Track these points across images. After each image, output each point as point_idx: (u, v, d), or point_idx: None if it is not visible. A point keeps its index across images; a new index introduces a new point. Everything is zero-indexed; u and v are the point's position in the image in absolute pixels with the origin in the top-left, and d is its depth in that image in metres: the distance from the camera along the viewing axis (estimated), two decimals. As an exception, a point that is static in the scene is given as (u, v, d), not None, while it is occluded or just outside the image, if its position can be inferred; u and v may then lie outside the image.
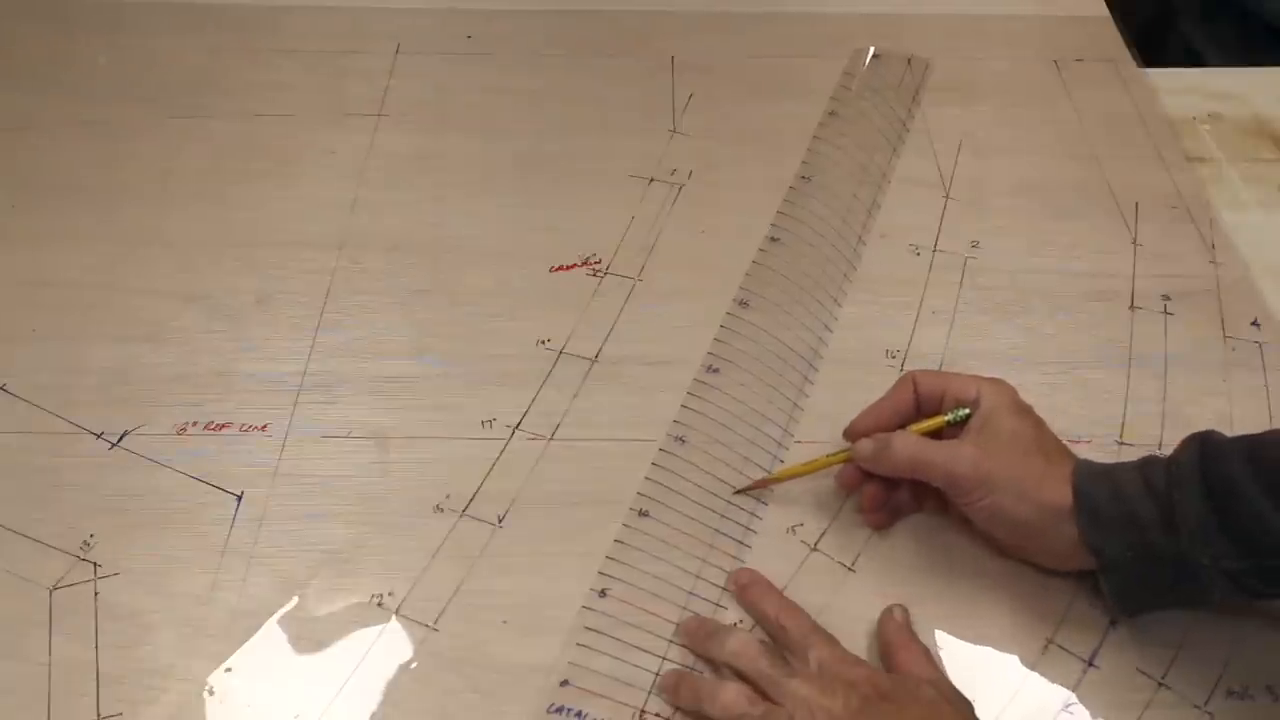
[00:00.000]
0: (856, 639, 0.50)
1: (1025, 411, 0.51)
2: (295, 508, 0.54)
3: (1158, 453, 0.56)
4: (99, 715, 0.47)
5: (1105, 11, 0.88)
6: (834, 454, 0.54)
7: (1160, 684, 0.49)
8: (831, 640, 0.48)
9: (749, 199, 0.70)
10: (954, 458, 0.50)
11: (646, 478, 0.55)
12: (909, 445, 0.51)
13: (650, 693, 0.48)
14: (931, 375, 0.54)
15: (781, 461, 0.57)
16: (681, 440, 0.57)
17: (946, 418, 0.52)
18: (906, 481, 0.53)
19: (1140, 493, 0.47)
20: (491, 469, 0.56)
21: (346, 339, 0.62)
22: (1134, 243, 0.69)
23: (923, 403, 0.54)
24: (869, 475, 0.53)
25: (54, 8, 0.83)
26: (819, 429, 0.58)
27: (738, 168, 0.73)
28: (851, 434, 0.54)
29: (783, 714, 0.44)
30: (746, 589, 0.51)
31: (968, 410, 0.52)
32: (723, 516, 0.54)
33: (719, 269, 0.66)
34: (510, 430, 0.57)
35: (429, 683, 0.48)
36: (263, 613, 0.50)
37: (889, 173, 0.73)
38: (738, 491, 0.55)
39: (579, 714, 0.47)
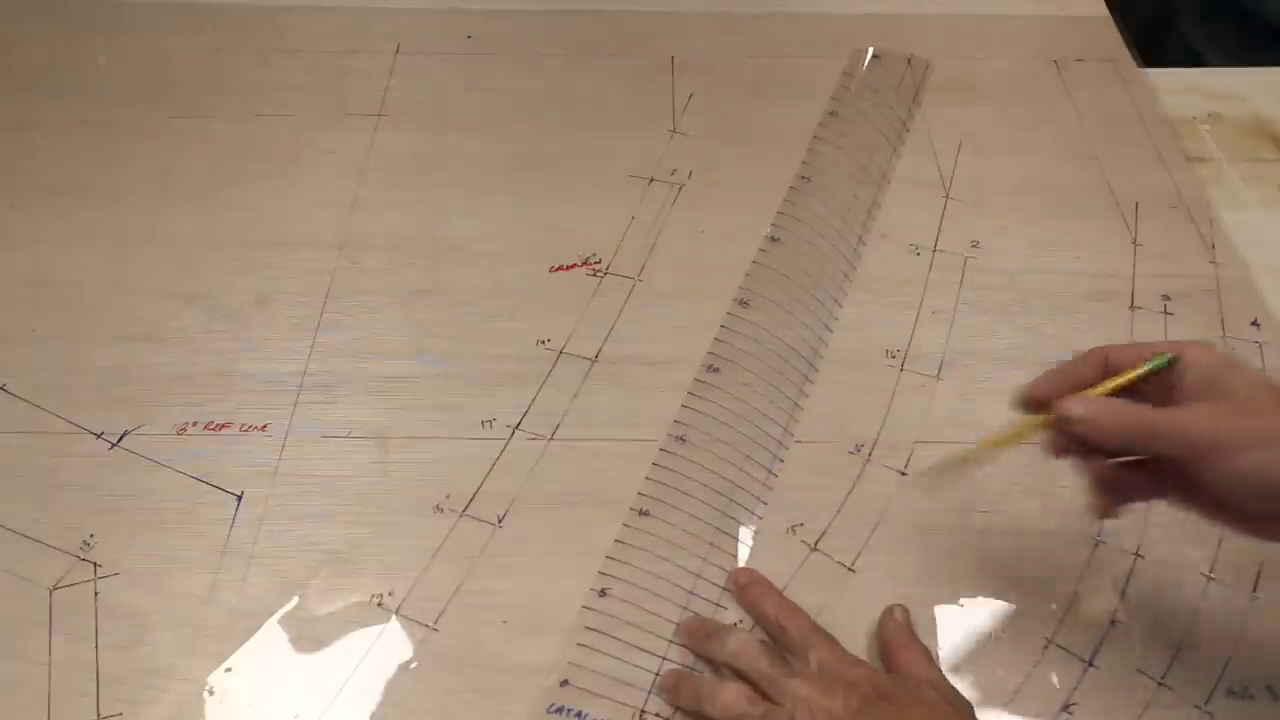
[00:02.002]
0: (856, 639, 0.50)
1: (1248, 367, 0.43)
2: (295, 508, 0.54)
3: None
4: (99, 715, 0.47)
5: (1105, 11, 0.88)
6: (1029, 420, 0.46)
7: (1160, 684, 0.49)
8: (831, 640, 0.48)
9: (749, 199, 0.70)
10: (1187, 418, 0.42)
11: (647, 478, 0.55)
12: (1126, 411, 0.43)
13: (650, 693, 0.48)
14: (1127, 348, 0.45)
15: (781, 461, 0.57)
16: (682, 440, 0.57)
17: (1147, 365, 0.44)
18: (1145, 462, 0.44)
19: None
20: (491, 469, 0.56)
21: (346, 339, 0.62)
22: (1134, 243, 0.69)
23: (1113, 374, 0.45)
24: (1085, 449, 0.45)
25: (55, 8, 0.83)
26: (819, 429, 0.58)
27: (738, 168, 0.73)
28: (1031, 399, 0.46)
29: (783, 714, 0.44)
30: (746, 589, 0.51)
31: (1171, 357, 0.43)
32: (723, 516, 0.54)
33: (719, 269, 0.66)
34: (510, 430, 0.57)
35: (429, 683, 0.48)
36: (263, 613, 0.50)
37: (889, 173, 0.73)
38: (927, 475, 0.49)
39: (579, 714, 0.47)
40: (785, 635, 0.48)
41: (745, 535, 0.54)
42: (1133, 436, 0.42)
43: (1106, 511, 0.46)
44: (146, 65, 0.79)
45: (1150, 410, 0.42)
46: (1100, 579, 0.52)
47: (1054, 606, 0.51)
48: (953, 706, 0.45)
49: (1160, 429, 0.42)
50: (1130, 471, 0.45)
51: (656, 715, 0.47)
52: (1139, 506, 0.46)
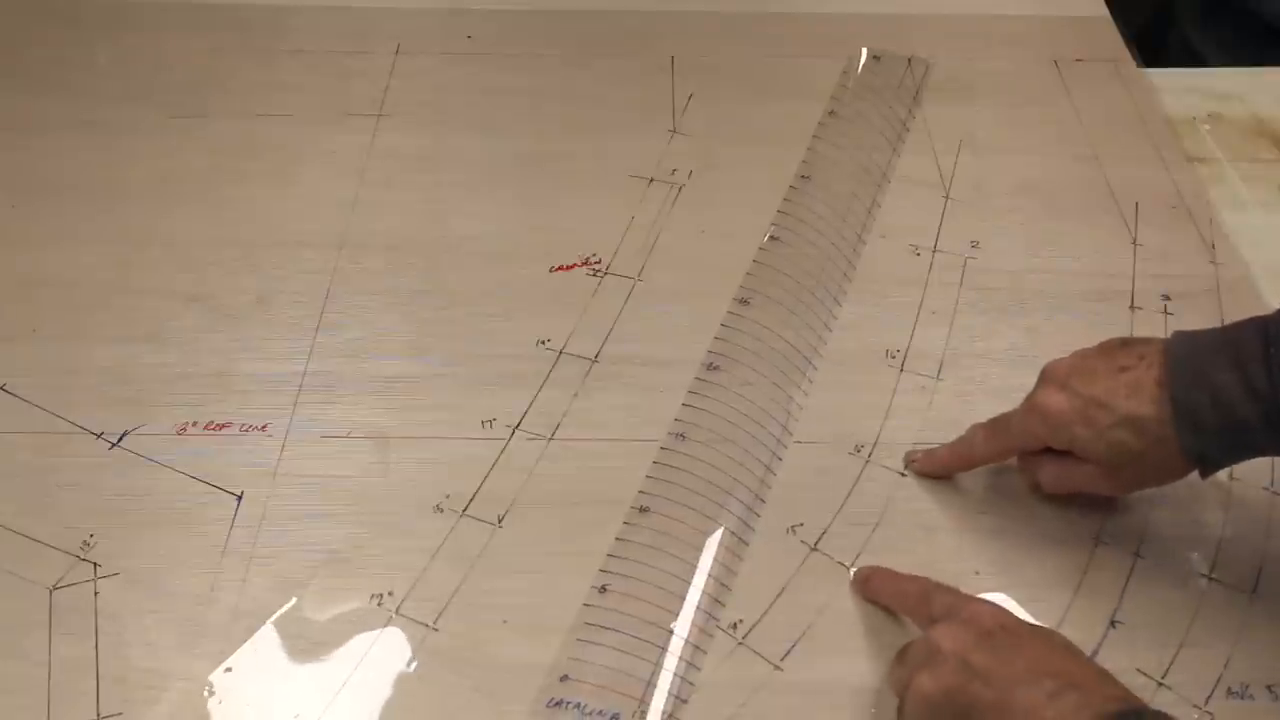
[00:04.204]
0: (857, 639, 0.50)
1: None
2: (295, 508, 0.54)
3: None
4: (99, 715, 0.47)
5: (1105, 11, 0.88)
6: None
7: (1160, 684, 0.49)
8: (954, 590, 0.48)
9: (749, 199, 0.70)
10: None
11: (648, 476, 0.55)
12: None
13: (650, 687, 0.48)
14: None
15: (781, 461, 0.57)
16: (682, 438, 0.57)
17: None
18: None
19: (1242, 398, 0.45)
20: (491, 469, 0.56)
21: (346, 339, 0.62)
22: (1134, 243, 0.69)
23: None
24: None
25: (55, 8, 0.83)
26: (819, 428, 0.58)
27: (738, 168, 0.73)
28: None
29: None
30: (868, 581, 0.51)
31: None
32: (723, 512, 0.54)
33: (719, 269, 0.66)
34: (510, 430, 0.57)
35: (429, 682, 0.48)
36: (263, 613, 0.50)
37: (889, 173, 0.73)
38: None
39: (578, 705, 0.47)
40: (928, 606, 0.47)
41: (745, 535, 0.54)
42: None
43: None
44: (147, 65, 0.79)
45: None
46: (1100, 579, 0.52)
47: (1054, 606, 0.51)
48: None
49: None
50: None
51: (656, 709, 0.47)
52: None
